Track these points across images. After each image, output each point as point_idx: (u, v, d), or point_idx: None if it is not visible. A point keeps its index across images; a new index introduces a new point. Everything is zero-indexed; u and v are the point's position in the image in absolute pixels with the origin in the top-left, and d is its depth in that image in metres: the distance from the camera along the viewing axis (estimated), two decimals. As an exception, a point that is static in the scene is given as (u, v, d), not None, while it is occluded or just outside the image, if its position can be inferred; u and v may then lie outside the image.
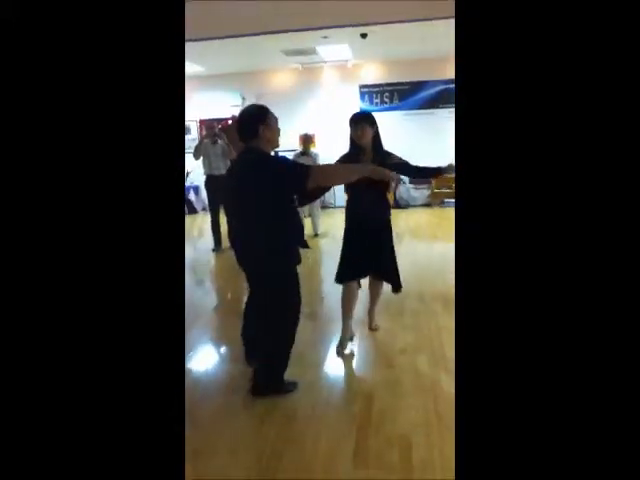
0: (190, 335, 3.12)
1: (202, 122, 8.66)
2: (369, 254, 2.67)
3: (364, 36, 6.04)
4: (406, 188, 8.30)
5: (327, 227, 6.77)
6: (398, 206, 8.20)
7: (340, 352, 2.72)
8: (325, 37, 6.13)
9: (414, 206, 8.21)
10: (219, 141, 5.47)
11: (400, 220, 7.56)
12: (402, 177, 8.23)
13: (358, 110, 8.45)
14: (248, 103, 9.29)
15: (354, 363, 2.64)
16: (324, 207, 8.07)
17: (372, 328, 3.05)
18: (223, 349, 2.99)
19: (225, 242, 5.56)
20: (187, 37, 5.04)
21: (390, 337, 2.91)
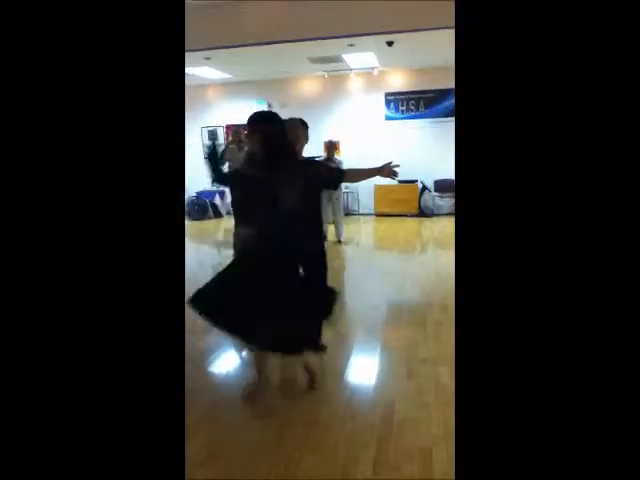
0: (211, 338, 3.16)
1: (228, 128, 8.79)
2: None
3: (390, 44, 6.04)
4: (431, 196, 8.23)
5: (351, 234, 6.77)
6: (423, 214, 8.13)
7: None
8: (351, 45, 6.15)
9: (439, 215, 8.13)
10: (245, 147, 5.54)
11: (425, 229, 7.50)
12: (427, 185, 8.22)
13: (384, 117, 8.46)
14: (274, 110, 9.41)
15: (375, 372, 2.62)
16: (348, 214, 8.08)
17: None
18: (245, 353, 3.00)
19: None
20: (214, 44, 5.13)
21: (412, 347, 2.88)
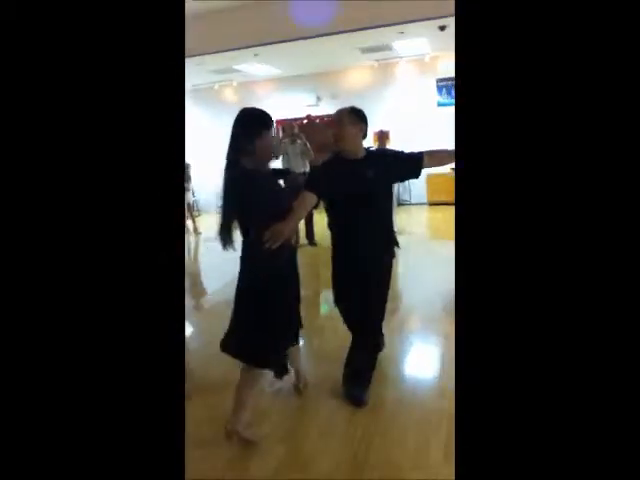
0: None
1: (279, 122, 8.92)
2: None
3: (443, 28, 5.90)
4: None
5: (403, 224, 6.71)
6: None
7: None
8: (401, 32, 6.06)
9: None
10: (298, 141, 5.61)
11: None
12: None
13: (436, 104, 8.27)
14: (323, 103, 9.43)
15: (437, 360, 2.61)
16: (400, 204, 7.99)
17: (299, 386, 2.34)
18: (307, 344, 3.07)
19: (302, 240, 5.70)
20: (262, 41, 5.19)
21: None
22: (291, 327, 2.00)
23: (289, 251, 1.92)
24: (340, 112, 2.16)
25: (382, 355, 2.56)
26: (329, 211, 2.26)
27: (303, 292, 2.07)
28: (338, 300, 2.28)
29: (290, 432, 2.03)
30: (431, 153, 2.24)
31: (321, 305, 3.77)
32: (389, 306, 3.36)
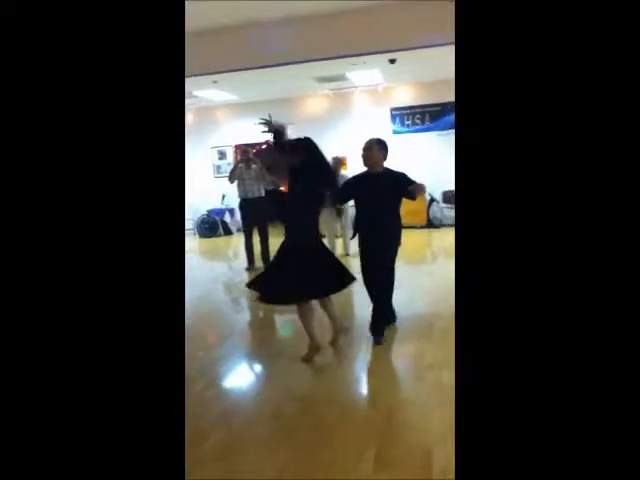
0: (223, 350, 3.26)
1: (237, 147, 9.00)
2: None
3: (393, 61, 6.20)
4: (439, 207, 8.28)
5: (355, 247, 6.82)
6: (432, 225, 8.18)
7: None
8: (355, 64, 6.32)
9: (447, 225, 8.17)
10: (253, 165, 5.69)
11: (434, 239, 7.55)
12: (435, 197, 8.27)
13: (390, 132, 8.58)
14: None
15: (384, 378, 2.69)
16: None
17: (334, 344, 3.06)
18: (257, 365, 3.10)
19: (258, 262, 5.72)
20: (220, 68, 5.27)
21: (419, 353, 2.94)
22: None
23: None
24: (370, 142, 3.19)
25: (326, 373, 2.61)
26: (357, 209, 3.37)
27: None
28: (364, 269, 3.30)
29: (230, 451, 2.04)
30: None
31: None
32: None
